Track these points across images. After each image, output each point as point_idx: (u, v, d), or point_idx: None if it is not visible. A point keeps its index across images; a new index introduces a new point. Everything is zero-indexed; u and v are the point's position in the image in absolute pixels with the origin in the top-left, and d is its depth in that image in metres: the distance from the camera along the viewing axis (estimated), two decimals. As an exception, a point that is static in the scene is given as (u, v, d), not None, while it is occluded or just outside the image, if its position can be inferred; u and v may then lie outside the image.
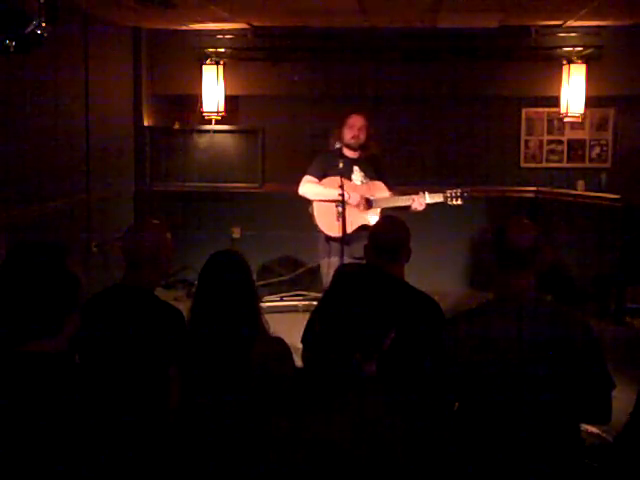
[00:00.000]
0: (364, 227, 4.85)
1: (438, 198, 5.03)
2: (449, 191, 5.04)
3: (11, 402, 1.75)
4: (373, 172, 5.07)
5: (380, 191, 5.02)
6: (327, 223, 4.99)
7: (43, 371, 1.80)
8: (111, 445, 1.81)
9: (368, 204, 4.98)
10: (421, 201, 4.95)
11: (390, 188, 5.09)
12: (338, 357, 1.88)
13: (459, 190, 5.05)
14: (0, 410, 1.74)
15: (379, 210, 4.97)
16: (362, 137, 5.03)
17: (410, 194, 4.98)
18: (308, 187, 5.06)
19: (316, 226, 5.03)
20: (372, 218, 4.91)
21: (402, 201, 4.97)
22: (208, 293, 2.66)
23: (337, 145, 4.93)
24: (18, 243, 1.93)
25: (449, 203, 5.05)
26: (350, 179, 4.99)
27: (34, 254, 1.88)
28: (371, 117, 5.21)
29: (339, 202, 4.86)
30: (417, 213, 4.95)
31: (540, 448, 2.39)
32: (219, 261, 2.73)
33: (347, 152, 5.02)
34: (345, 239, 4.85)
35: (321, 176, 5.06)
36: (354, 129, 5.02)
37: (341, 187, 4.73)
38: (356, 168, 5.01)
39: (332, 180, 4.99)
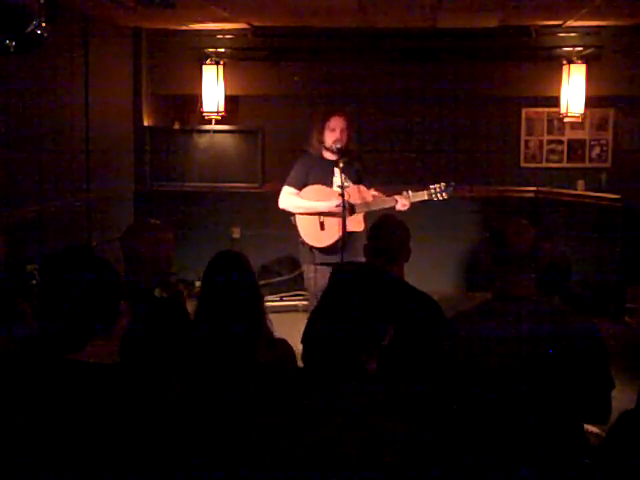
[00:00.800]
0: (348, 234, 4.74)
1: (422, 196, 4.85)
2: (432, 186, 4.85)
3: (64, 412, 1.77)
4: (354, 173, 4.89)
5: (362, 194, 4.85)
6: (312, 235, 4.89)
7: (98, 383, 1.82)
8: (114, 444, 1.82)
9: (350, 210, 4.80)
10: (404, 201, 4.80)
11: (369, 188, 4.94)
12: (338, 357, 1.89)
13: (443, 184, 4.85)
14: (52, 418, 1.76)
15: (362, 215, 4.84)
16: (344, 139, 4.80)
17: (402, 193, 4.85)
18: (288, 201, 4.91)
19: (300, 238, 4.92)
20: (355, 224, 4.80)
21: (385, 202, 4.83)
22: (212, 294, 2.67)
23: (338, 145, 4.76)
24: (50, 254, 1.95)
25: (434, 199, 4.86)
26: (331, 183, 4.83)
27: (70, 257, 1.91)
28: (351, 117, 5.02)
29: (321, 214, 4.81)
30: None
31: (541, 448, 2.39)
32: (222, 262, 2.73)
33: (327, 155, 4.87)
34: (328, 248, 4.80)
35: (302, 185, 4.90)
36: (336, 132, 4.80)
37: (341, 187, 4.68)
38: (337, 170, 4.79)
39: (312, 190, 4.88)
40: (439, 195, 4.86)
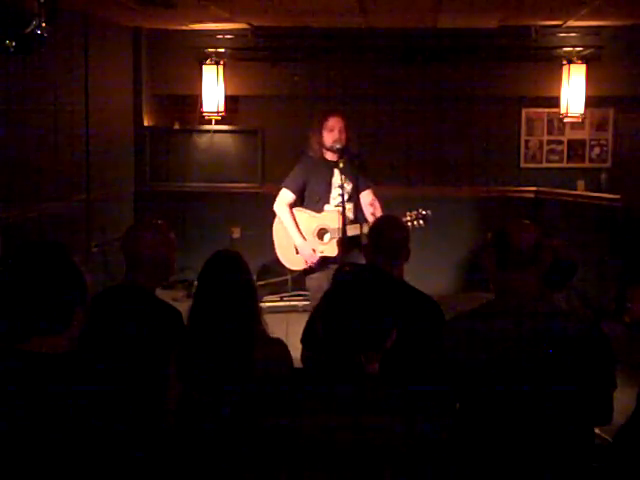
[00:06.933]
0: (323, 259, 4.80)
1: None
2: (408, 214, 4.72)
3: (8, 402, 1.74)
4: (354, 174, 4.86)
5: (341, 218, 4.67)
6: (286, 255, 4.95)
7: (43, 371, 1.79)
8: (110, 445, 1.81)
9: (321, 236, 4.84)
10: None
11: (371, 187, 4.94)
12: (340, 357, 1.89)
13: (420, 211, 4.73)
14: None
15: (335, 241, 4.75)
16: (343, 139, 4.80)
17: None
18: (280, 211, 4.92)
19: (275, 255, 4.97)
20: (330, 249, 4.79)
21: (354, 230, 4.73)
22: (208, 293, 2.67)
23: (338, 145, 4.76)
24: (21, 243, 1.93)
25: (409, 225, 4.66)
26: (330, 183, 4.84)
27: (39, 251, 1.89)
28: (349, 116, 5.01)
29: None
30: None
31: (545, 448, 2.38)
32: (219, 261, 2.73)
33: (327, 155, 4.86)
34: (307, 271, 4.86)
35: (301, 187, 4.91)
36: (335, 132, 4.80)
37: (341, 187, 4.68)
38: (336, 172, 4.77)
39: (302, 214, 4.89)
40: (415, 222, 4.73)
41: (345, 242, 4.63)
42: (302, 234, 4.88)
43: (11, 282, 1.84)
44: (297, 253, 4.90)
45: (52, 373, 1.80)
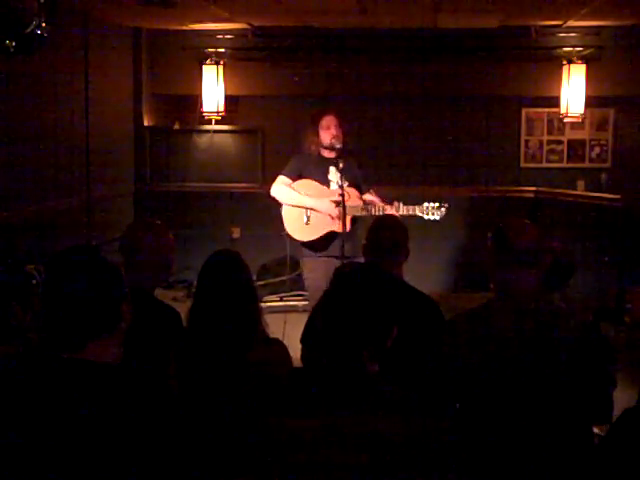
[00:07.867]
0: (331, 233, 4.81)
1: (412, 211, 4.78)
2: (426, 204, 4.80)
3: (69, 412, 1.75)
4: (350, 170, 4.88)
5: (352, 198, 4.79)
6: (296, 228, 4.92)
7: (103, 382, 1.81)
8: (115, 445, 1.82)
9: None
10: (392, 212, 4.74)
11: (367, 184, 4.98)
12: (340, 356, 1.89)
13: (437, 204, 4.81)
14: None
15: (349, 218, 4.75)
16: (340, 135, 4.85)
17: (393, 203, 4.80)
18: (282, 190, 4.91)
19: (284, 231, 4.96)
20: (340, 225, 4.75)
21: (373, 210, 4.78)
22: (207, 293, 2.66)
23: (338, 145, 4.79)
24: (53, 253, 1.93)
25: (425, 217, 4.81)
26: (326, 180, 4.87)
27: (75, 256, 1.90)
28: (348, 115, 5.04)
29: (309, 209, 4.84)
30: None
31: (542, 447, 2.39)
32: (218, 261, 2.73)
33: (324, 152, 4.90)
34: (311, 243, 4.85)
35: (296, 177, 4.93)
36: (331, 130, 4.85)
37: (341, 187, 4.69)
38: (332, 169, 4.82)
39: (307, 184, 4.89)
40: (431, 213, 4.79)
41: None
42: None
43: (56, 291, 1.84)
44: (307, 224, 4.88)
45: (111, 384, 1.82)
